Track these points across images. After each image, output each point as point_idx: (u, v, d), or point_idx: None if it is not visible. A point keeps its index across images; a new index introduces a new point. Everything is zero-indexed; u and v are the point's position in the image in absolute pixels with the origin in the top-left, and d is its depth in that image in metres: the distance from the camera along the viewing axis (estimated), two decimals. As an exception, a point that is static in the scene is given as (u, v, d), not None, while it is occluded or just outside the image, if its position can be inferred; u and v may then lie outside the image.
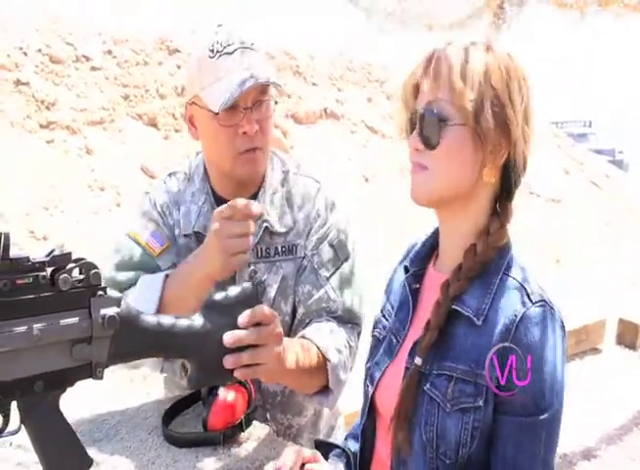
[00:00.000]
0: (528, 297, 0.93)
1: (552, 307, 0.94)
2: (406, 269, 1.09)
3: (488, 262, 0.96)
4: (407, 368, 1.00)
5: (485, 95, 0.91)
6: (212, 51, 1.23)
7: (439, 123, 0.92)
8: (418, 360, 0.97)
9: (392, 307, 1.12)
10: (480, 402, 0.92)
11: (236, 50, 1.23)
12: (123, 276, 1.27)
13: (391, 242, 6.00)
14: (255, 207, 1.09)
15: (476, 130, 0.91)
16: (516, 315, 0.91)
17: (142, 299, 1.17)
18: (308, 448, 1.07)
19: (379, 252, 5.78)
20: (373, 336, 1.15)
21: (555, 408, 0.92)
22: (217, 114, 1.21)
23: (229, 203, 1.10)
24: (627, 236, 8.10)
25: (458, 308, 0.95)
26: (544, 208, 7.85)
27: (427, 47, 0.99)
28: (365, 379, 1.12)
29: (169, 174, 1.42)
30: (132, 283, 1.25)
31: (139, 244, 1.30)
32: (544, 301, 0.93)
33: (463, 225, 0.99)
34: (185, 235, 1.34)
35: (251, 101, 1.23)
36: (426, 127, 0.93)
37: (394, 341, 1.06)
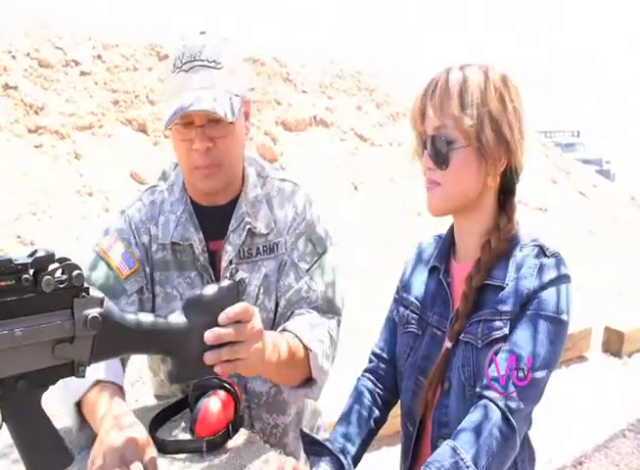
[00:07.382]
0: (544, 252, 1.09)
1: (562, 259, 1.09)
2: (436, 268, 1.21)
3: (503, 250, 1.11)
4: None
5: (483, 118, 1.04)
6: (174, 65, 1.24)
7: (447, 147, 1.07)
8: (448, 344, 1.12)
9: (420, 303, 1.22)
10: (506, 330, 1.06)
11: (193, 68, 1.22)
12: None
13: (380, 249, 6.01)
14: None
15: (478, 149, 1.06)
16: (536, 265, 1.07)
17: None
18: (295, 449, 1.09)
19: (367, 259, 5.80)
20: (409, 332, 1.22)
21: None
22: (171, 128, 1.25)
23: None
24: (613, 245, 8.18)
25: (488, 282, 1.09)
26: (531, 216, 7.89)
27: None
28: (416, 374, 1.19)
29: (147, 189, 1.44)
30: None
31: (109, 265, 1.31)
32: (557, 253, 1.09)
33: (475, 223, 1.14)
34: (162, 245, 1.35)
35: (206, 119, 1.24)
36: (435, 150, 1.08)
37: (439, 333, 1.17)
